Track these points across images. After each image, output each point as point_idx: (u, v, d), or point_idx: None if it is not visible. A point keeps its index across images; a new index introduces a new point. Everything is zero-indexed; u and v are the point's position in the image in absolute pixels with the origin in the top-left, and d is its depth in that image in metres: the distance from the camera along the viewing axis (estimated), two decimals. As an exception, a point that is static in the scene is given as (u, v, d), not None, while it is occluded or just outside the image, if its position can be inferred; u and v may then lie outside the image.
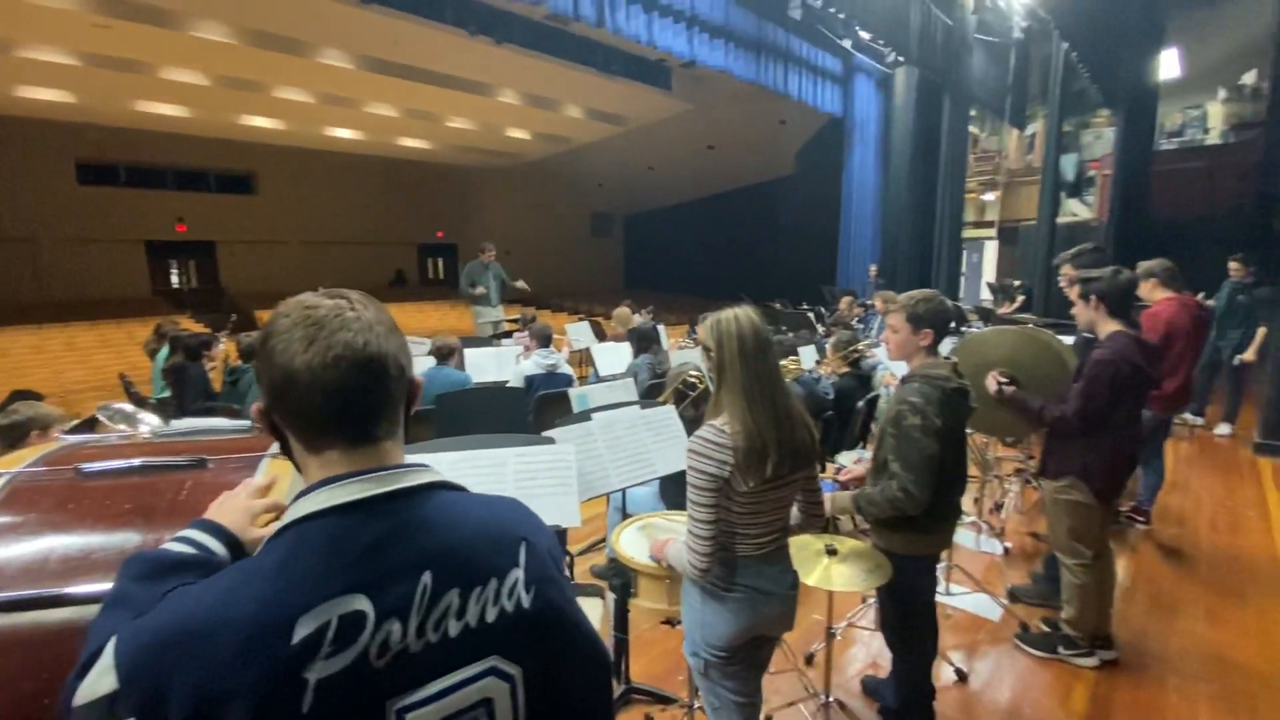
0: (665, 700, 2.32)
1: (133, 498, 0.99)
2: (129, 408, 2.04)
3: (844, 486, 2.22)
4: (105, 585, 0.76)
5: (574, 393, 3.45)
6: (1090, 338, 2.61)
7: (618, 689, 2.31)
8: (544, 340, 4.41)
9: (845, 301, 7.72)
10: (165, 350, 4.81)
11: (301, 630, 0.61)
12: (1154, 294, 3.56)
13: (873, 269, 9.39)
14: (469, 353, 4.55)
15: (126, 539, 0.93)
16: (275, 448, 1.08)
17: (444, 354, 3.96)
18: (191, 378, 4.30)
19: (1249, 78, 10.51)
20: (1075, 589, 2.57)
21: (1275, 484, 4.56)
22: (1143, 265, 3.59)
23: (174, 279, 15.55)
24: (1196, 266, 5.12)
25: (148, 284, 14.56)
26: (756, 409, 1.50)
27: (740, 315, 1.55)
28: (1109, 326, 2.47)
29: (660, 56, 10.16)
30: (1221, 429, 5.68)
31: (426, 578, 0.67)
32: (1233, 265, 5.39)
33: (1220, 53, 10.61)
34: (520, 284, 7.20)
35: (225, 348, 5.00)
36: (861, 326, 6.79)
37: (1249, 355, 5.28)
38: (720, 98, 11.90)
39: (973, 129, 12.23)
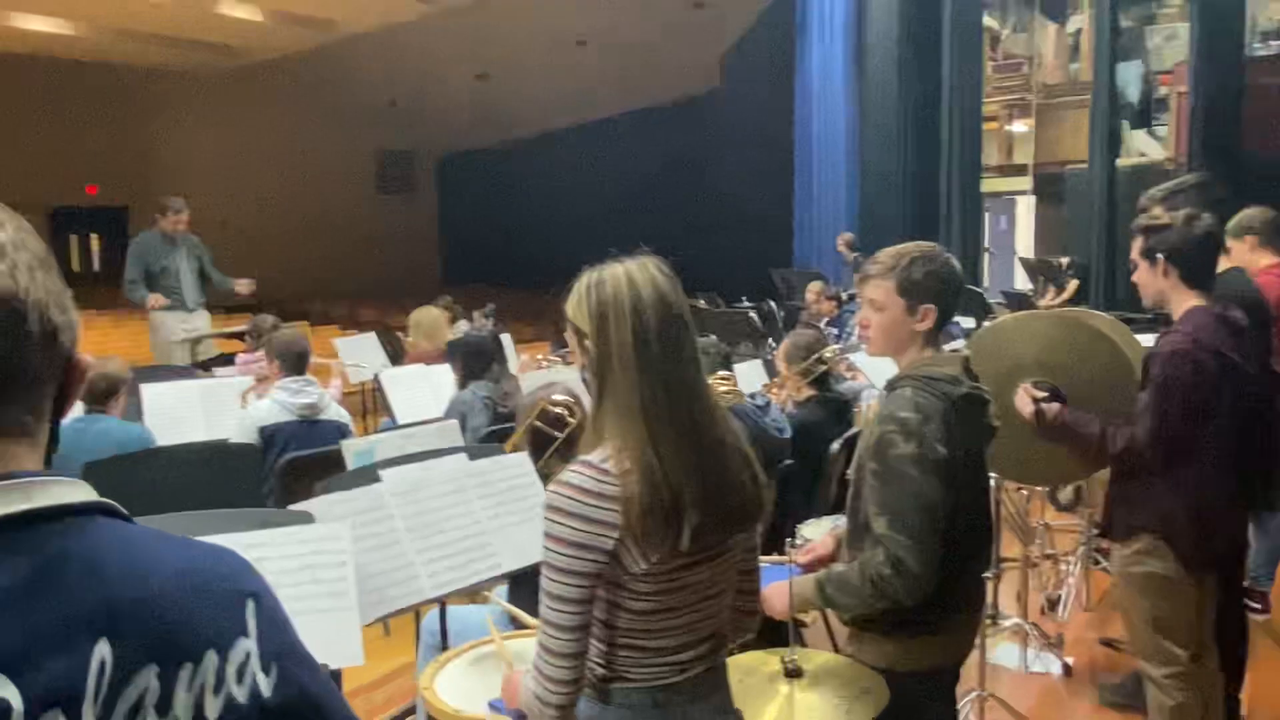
0: None
1: None
2: None
3: (807, 570, 2.33)
4: None
5: (352, 447, 3.39)
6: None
7: None
8: (294, 363, 4.30)
9: (813, 290, 8.11)
10: None
11: None
12: (1255, 259, 4.05)
13: (843, 239, 9.93)
14: (150, 390, 4.39)
15: None
16: None
17: (100, 394, 3.79)
18: None
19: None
20: (1169, 713, 2.82)
21: None
22: (1236, 219, 4.09)
23: None
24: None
25: None
26: (663, 435, 1.54)
27: (636, 274, 1.59)
28: (1187, 301, 2.78)
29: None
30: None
31: (104, 648, 0.68)
32: None
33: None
34: (241, 284, 6.99)
35: None
36: (834, 331, 7.16)
37: None
38: (594, -39, 12.29)
39: (990, 21, 13.45)
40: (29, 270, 0.73)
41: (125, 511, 0.78)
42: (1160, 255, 2.80)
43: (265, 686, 0.76)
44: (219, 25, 14.88)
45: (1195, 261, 2.79)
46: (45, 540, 0.70)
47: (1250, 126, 10.70)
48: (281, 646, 0.79)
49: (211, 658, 0.73)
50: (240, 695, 0.74)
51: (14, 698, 0.64)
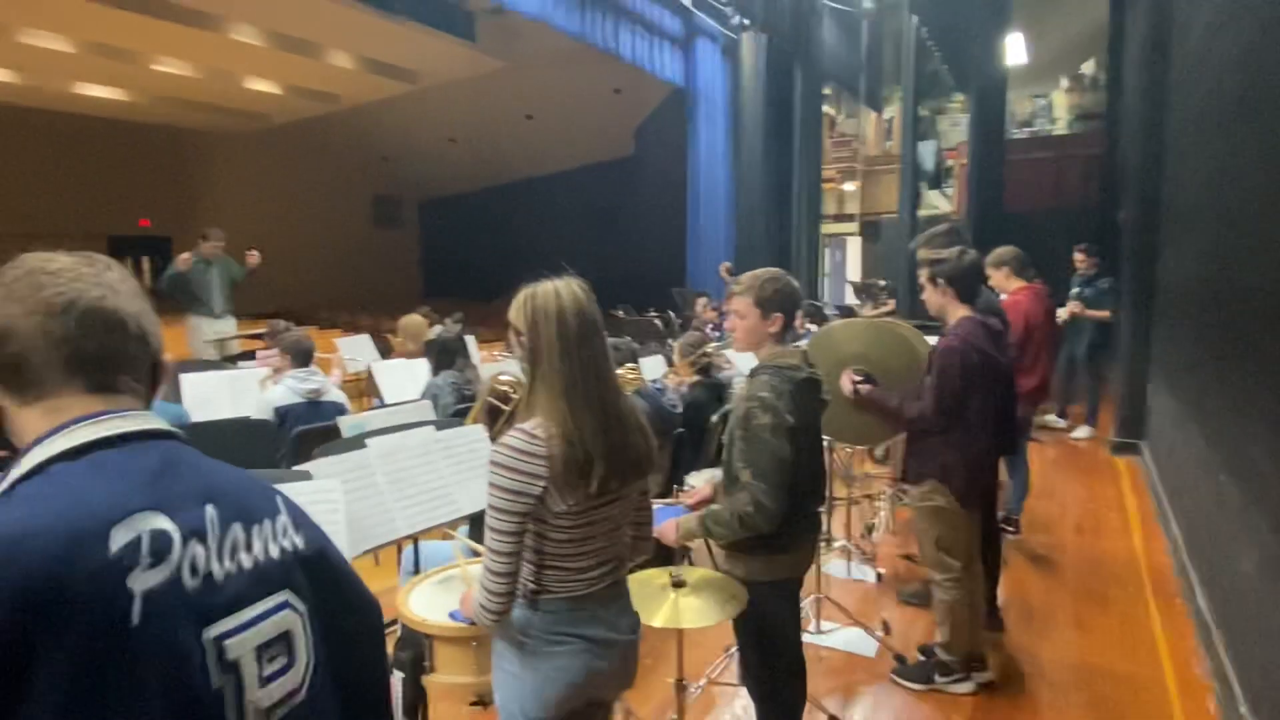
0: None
1: None
2: None
3: (693, 509, 2.34)
4: None
5: (347, 422, 3.28)
6: None
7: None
8: (302, 357, 4.15)
9: (700, 303, 8.20)
10: None
11: (117, 540, 0.72)
12: (1008, 284, 4.25)
13: (723, 267, 10.07)
14: (188, 380, 4.20)
15: None
16: None
17: (149, 380, 3.57)
18: None
19: (1088, 67, 12.98)
20: (947, 607, 2.93)
21: (1131, 483, 5.59)
22: (994, 253, 4.28)
23: None
24: (1049, 260, 6.18)
25: None
26: (579, 409, 1.54)
27: (562, 289, 1.58)
28: (959, 312, 2.89)
29: (458, -3, 10.17)
30: (1081, 431, 6.85)
31: (210, 509, 0.82)
32: (1077, 256, 6.57)
33: (1062, 40, 13.02)
34: (251, 259, 6.74)
35: None
36: (718, 334, 7.23)
37: (1064, 312, 5.97)
38: (540, 57, 12.15)
39: (828, 109, 13.74)
40: (130, 296, 0.86)
41: (186, 439, 0.89)
42: (941, 279, 2.90)
43: (299, 542, 0.92)
44: (246, 96, 14.30)
45: (965, 283, 2.91)
46: (161, 445, 0.84)
47: (1009, 189, 11.19)
48: (303, 519, 0.95)
49: (267, 522, 0.88)
50: (286, 545, 0.90)
51: (172, 530, 0.77)
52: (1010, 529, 4.42)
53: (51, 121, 14.86)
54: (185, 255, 6.32)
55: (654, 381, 4.32)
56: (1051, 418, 7.06)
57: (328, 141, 17.23)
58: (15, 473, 0.77)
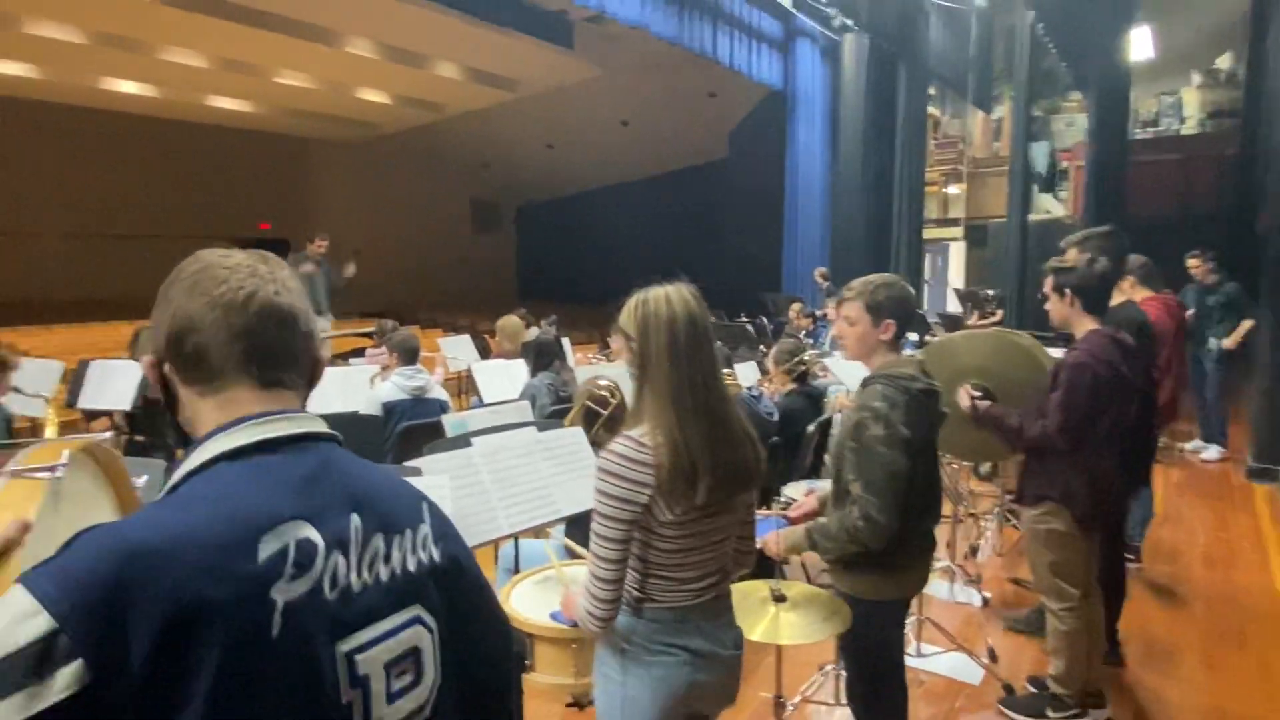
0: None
1: None
2: None
3: (794, 522, 2.29)
4: None
5: (450, 420, 3.39)
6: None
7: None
8: (409, 356, 4.31)
9: (794, 309, 8.06)
10: None
11: (265, 550, 0.72)
12: (1134, 294, 3.96)
13: (819, 273, 9.87)
14: (305, 374, 4.41)
15: None
16: (19, 462, 1.01)
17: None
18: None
19: (1223, 62, 12.04)
20: (1062, 637, 2.76)
21: (1271, 512, 5.13)
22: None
23: None
24: (1176, 268, 5.76)
25: None
26: (687, 417, 1.52)
27: (673, 295, 1.56)
28: (1086, 325, 2.72)
29: (559, 5, 10.34)
30: (1209, 452, 6.34)
31: (355, 519, 0.82)
32: (1191, 263, 6.07)
33: (1194, 33, 12.12)
34: (348, 269, 7.12)
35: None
36: (811, 341, 7.09)
37: (1229, 343, 5.87)
38: (636, 63, 12.25)
39: (933, 110, 13.28)
40: (299, 294, 0.89)
41: (342, 440, 0.90)
42: (1068, 289, 2.74)
43: (436, 555, 0.90)
44: (357, 106, 15.01)
45: (1094, 294, 2.75)
46: (318, 450, 0.84)
47: (1132, 193, 10.51)
48: (446, 531, 0.94)
49: (408, 533, 0.88)
50: (424, 558, 0.89)
51: (317, 538, 0.77)
52: (1131, 557, 4.13)
53: (185, 132, 16.02)
54: (310, 266, 6.75)
55: (749, 388, 4.27)
56: (1194, 444, 6.50)
57: (431, 148, 17.85)
58: (186, 466, 0.79)
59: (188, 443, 0.83)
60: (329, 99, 14.38)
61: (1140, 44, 10.75)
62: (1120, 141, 10.17)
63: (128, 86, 13.26)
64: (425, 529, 0.90)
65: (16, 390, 4.08)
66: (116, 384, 4.66)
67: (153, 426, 4.67)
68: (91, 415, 4.99)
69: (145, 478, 1.20)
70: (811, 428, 3.89)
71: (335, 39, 11.18)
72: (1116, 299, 3.19)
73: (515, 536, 2.40)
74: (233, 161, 17.13)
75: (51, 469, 0.99)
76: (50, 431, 4.08)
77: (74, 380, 4.85)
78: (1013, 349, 2.96)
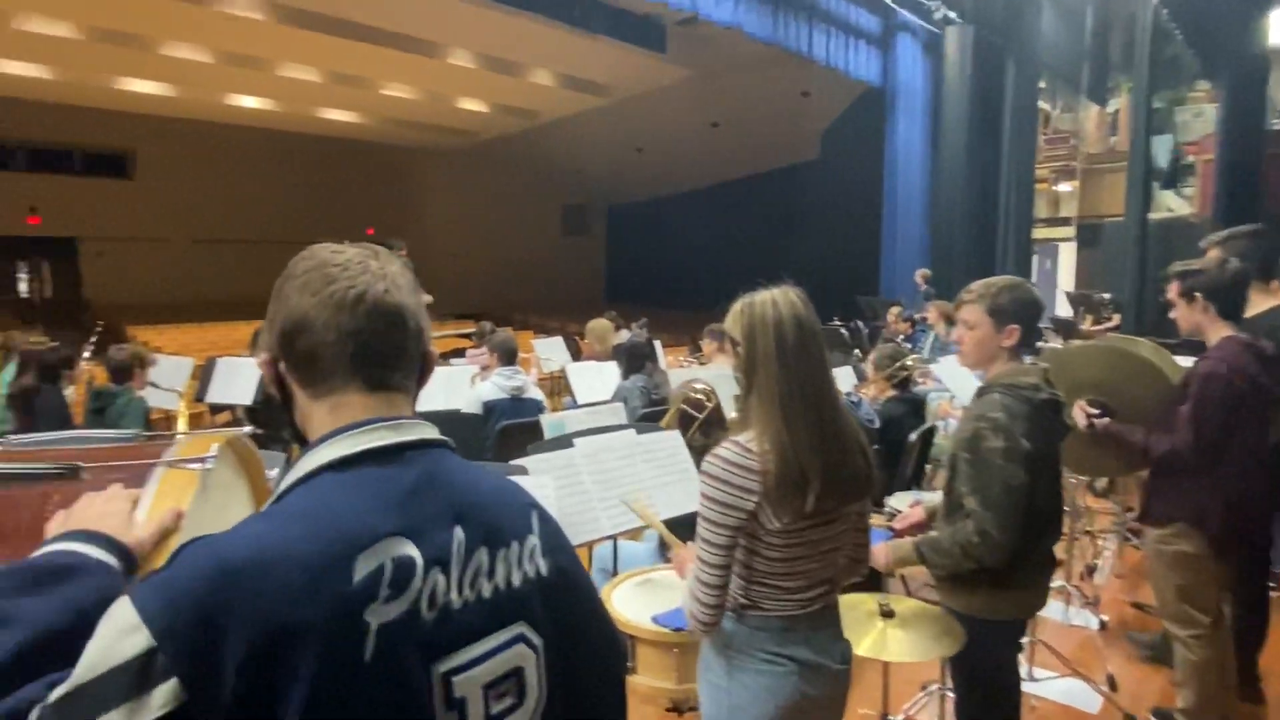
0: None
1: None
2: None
3: (899, 536, 2.21)
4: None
5: (548, 420, 3.44)
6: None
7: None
8: (508, 356, 4.41)
9: (892, 313, 7.84)
10: (11, 368, 4.74)
11: (361, 569, 0.70)
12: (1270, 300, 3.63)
13: (920, 274, 9.54)
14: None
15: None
16: (173, 453, 1.07)
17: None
18: (45, 404, 4.22)
19: (1375, 45, 10.94)
20: (1192, 668, 2.56)
21: None
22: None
23: (22, 285, 15.39)
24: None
25: (-14, 291, 14.53)
26: (795, 424, 1.48)
27: (779, 299, 1.54)
28: (1219, 331, 2.51)
29: (652, 9, 10.40)
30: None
31: (459, 532, 0.79)
32: None
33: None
34: (425, 298, 7.35)
35: (86, 368, 4.94)
36: (909, 345, 6.86)
37: None
38: (727, 63, 12.18)
39: (1042, 104, 12.64)
40: (409, 291, 0.86)
41: (454, 445, 0.87)
42: (1199, 294, 2.55)
43: (544, 568, 0.86)
44: (456, 115, 15.54)
45: (1228, 298, 2.54)
46: (424, 459, 0.81)
47: (1269, 189, 9.71)
48: (555, 543, 0.89)
49: (515, 545, 0.84)
50: (530, 571, 0.84)
51: (416, 556, 0.74)
52: (1275, 585, 3.80)
53: (298, 143, 16.98)
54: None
55: (847, 394, 4.16)
56: None
57: (524, 154, 18.28)
58: (292, 475, 0.78)
59: (302, 439, 0.84)
60: (430, 109, 14.96)
61: (1278, 27, 9.91)
62: (1256, 133, 9.41)
63: (249, 101, 14.16)
64: (534, 540, 0.86)
65: (153, 385, 4.41)
66: (240, 380, 4.96)
67: (270, 421, 4.95)
68: (216, 409, 5.34)
69: (277, 470, 1.27)
70: (914, 436, 3.76)
71: (437, 50, 11.61)
72: (1263, 304, 2.94)
73: (614, 538, 2.42)
74: (341, 169, 18.04)
75: (202, 460, 1.06)
76: (182, 424, 4.39)
77: (203, 376, 5.20)
78: (1131, 360, 2.76)
